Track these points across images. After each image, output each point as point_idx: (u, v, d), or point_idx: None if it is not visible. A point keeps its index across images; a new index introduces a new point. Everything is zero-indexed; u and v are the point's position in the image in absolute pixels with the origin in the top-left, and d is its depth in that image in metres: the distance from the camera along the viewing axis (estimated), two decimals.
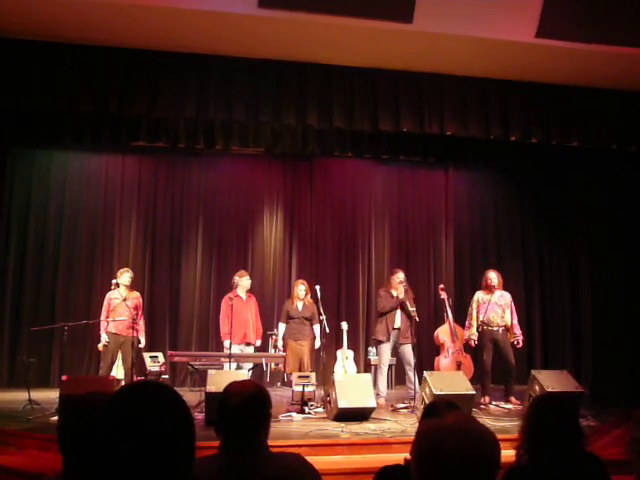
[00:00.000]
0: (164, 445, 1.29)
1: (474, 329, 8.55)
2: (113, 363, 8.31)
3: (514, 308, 8.70)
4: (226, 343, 8.22)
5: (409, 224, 11.55)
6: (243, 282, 8.73)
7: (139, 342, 8.36)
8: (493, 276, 8.63)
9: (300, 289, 8.85)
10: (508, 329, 8.56)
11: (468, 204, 11.52)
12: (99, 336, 8.35)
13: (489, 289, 8.60)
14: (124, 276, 8.42)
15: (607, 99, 8.16)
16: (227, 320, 8.30)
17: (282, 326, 8.93)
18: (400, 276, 8.60)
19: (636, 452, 2.10)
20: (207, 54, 7.35)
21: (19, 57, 6.98)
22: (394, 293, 8.51)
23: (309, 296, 8.92)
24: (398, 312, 8.47)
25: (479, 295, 8.68)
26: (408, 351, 8.33)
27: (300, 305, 8.81)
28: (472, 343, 8.59)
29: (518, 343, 8.55)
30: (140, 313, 8.50)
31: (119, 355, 8.33)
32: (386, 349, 8.49)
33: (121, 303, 8.25)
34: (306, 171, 11.27)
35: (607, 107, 8.15)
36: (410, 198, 11.56)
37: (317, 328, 8.86)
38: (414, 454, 1.54)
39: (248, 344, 8.65)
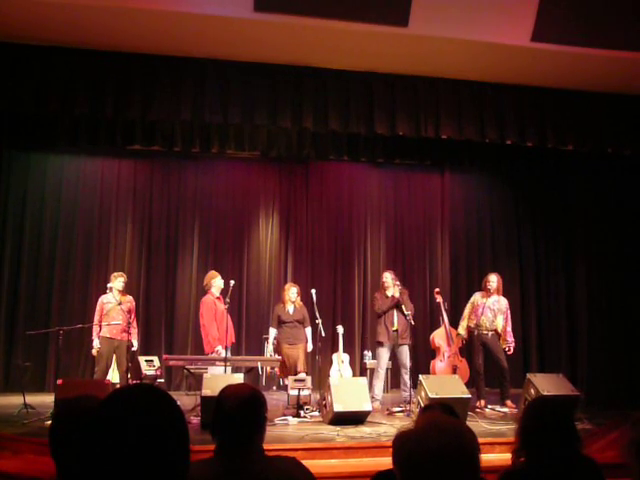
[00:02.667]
0: (157, 448, 1.28)
1: (462, 328, 8.70)
2: (108, 367, 8.28)
3: (509, 315, 8.68)
4: (219, 349, 8.11)
5: (405, 227, 11.55)
6: (217, 282, 8.53)
7: (132, 345, 8.34)
8: (493, 279, 8.65)
9: (292, 292, 8.78)
10: (499, 334, 8.55)
11: (464, 207, 11.53)
12: (92, 341, 8.34)
13: (486, 292, 8.61)
14: (117, 281, 8.38)
15: (602, 102, 8.19)
16: (215, 324, 8.24)
17: (273, 331, 8.83)
18: (385, 275, 8.70)
19: (633, 454, 2.10)
20: (203, 58, 7.36)
21: (14, 60, 6.98)
22: (389, 293, 8.52)
23: (299, 299, 8.89)
24: (395, 313, 8.47)
25: (476, 296, 8.73)
26: (405, 353, 8.34)
27: (291, 309, 8.75)
28: (461, 341, 8.77)
29: (509, 350, 8.55)
30: (133, 317, 8.48)
31: (114, 359, 8.31)
32: (384, 353, 8.48)
33: (115, 307, 8.24)
34: (302, 174, 11.27)
35: (602, 110, 8.18)
36: (406, 201, 11.57)
37: (309, 331, 8.82)
38: (394, 461, 1.54)
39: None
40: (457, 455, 1.44)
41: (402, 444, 1.53)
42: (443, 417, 1.59)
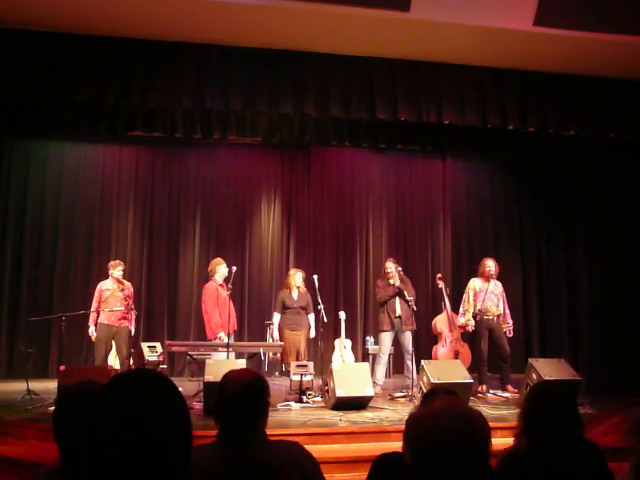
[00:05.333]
0: (158, 434, 1.28)
1: (470, 315, 8.57)
2: (108, 353, 8.29)
3: (505, 297, 8.71)
4: (221, 335, 8.14)
5: (407, 213, 11.55)
6: (222, 269, 8.52)
7: (130, 332, 8.36)
8: (491, 264, 8.63)
9: (298, 277, 8.80)
10: (500, 318, 8.59)
11: (466, 193, 11.52)
12: (88, 328, 8.35)
13: (486, 277, 8.59)
14: (117, 269, 8.36)
15: (604, 87, 8.15)
16: (217, 310, 8.25)
17: (277, 316, 8.83)
18: (388, 265, 8.65)
19: (636, 436, 2.11)
20: (204, 43, 7.33)
21: (15, 47, 6.96)
22: (391, 282, 8.52)
23: (303, 285, 8.90)
24: (397, 300, 8.48)
25: (476, 282, 8.67)
26: (408, 338, 8.36)
27: (296, 294, 8.77)
28: (470, 329, 8.62)
29: (510, 332, 8.58)
30: (132, 302, 8.49)
31: (114, 345, 8.33)
32: (387, 338, 8.50)
33: (114, 294, 8.24)
34: (304, 160, 11.26)
35: (604, 95, 8.15)
36: (408, 187, 11.56)
37: (312, 317, 8.84)
38: (406, 441, 1.54)
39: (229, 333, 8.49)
40: (466, 440, 1.44)
41: (413, 426, 1.53)
42: (457, 402, 1.59)
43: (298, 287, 8.79)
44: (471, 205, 11.52)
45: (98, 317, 8.24)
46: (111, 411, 1.29)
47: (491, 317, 8.49)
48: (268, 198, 11.19)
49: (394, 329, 8.46)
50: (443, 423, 1.45)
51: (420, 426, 1.50)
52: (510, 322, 8.61)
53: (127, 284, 8.55)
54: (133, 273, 9.97)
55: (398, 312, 8.46)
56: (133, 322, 8.47)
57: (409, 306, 8.35)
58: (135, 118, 8.71)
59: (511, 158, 10.96)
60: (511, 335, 8.62)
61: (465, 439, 1.44)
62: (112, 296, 8.25)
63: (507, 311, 8.65)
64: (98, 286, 8.44)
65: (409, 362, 8.28)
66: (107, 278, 8.46)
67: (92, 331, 8.23)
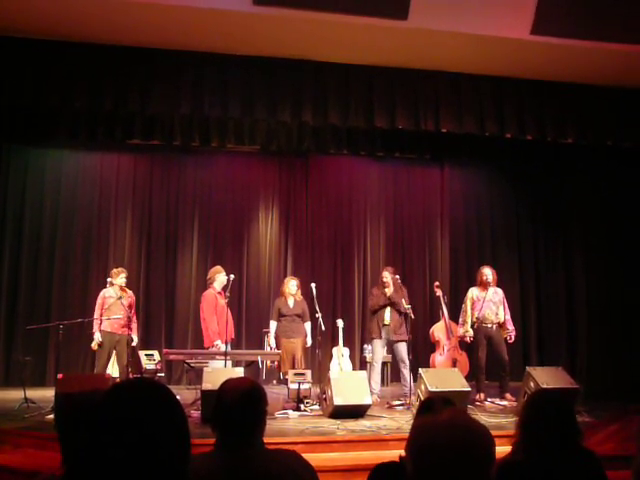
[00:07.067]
0: (156, 442, 1.29)
1: (469, 326, 8.55)
2: (108, 361, 8.29)
3: (507, 304, 8.70)
4: (217, 343, 8.13)
5: (404, 221, 11.55)
6: (221, 278, 8.51)
7: (132, 340, 8.35)
8: (488, 272, 8.63)
9: (292, 284, 8.78)
10: (501, 325, 8.57)
11: (463, 201, 11.52)
12: (93, 334, 8.34)
13: (484, 285, 8.59)
14: (120, 277, 8.37)
15: (602, 95, 8.18)
16: (215, 318, 8.25)
17: (274, 324, 8.81)
18: (385, 274, 8.63)
19: None
20: (202, 51, 7.36)
21: (14, 54, 6.97)
22: (387, 291, 8.51)
23: (299, 292, 8.90)
24: (388, 309, 8.46)
25: (474, 292, 8.68)
26: (402, 349, 8.33)
27: (291, 302, 8.76)
28: (468, 340, 8.60)
29: (511, 338, 8.55)
30: (133, 311, 8.49)
31: (114, 353, 8.32)
32: (378, 346, 8.48)
33: (116, 302, 8.24)
34: (301, 168, 11.26)
35: (602, 103, 8.17)
36: (405, 195, 11.56)
37: (308, 325, 8.82)
38: (409, 450, 1.54)
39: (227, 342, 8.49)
40: (468, 452, 1.44)
41: (416, 436, 1.54)
42: (461, 413, 1.59)
43: (293, 295, 8.78)
44: (469, 213, 11.52)
45: (101, 324, 8.23)
46: (113, 416, 1.30)
47: (490, 325, 8.48)
48: (266, 206, 11.19)
49: (382, 337, 8.44)
50: (446, 434, 1.45)
51: (423, 436, 1.51)
52: (510, 328, 8.57)
53: (129, 292, 8.55)
54: (131, 280, 9.91)
55: (387, 321, 8.42)
56: (135, 331, 8.46)
57: (401, 314, 8.35)
58: (133, 125, 8.72)
59: (509, 166, 10.96)
60: (512, 341, 8.61)
61: (467, 451, 1.44)
62: (114, 304, 8.24)
63: (508, 317, 8.62)
64: (101, 293, 8.43)
65: (405, 371, 8.26)
66: (105, 286, 8.46)
67: (98, 337, 8.21)
